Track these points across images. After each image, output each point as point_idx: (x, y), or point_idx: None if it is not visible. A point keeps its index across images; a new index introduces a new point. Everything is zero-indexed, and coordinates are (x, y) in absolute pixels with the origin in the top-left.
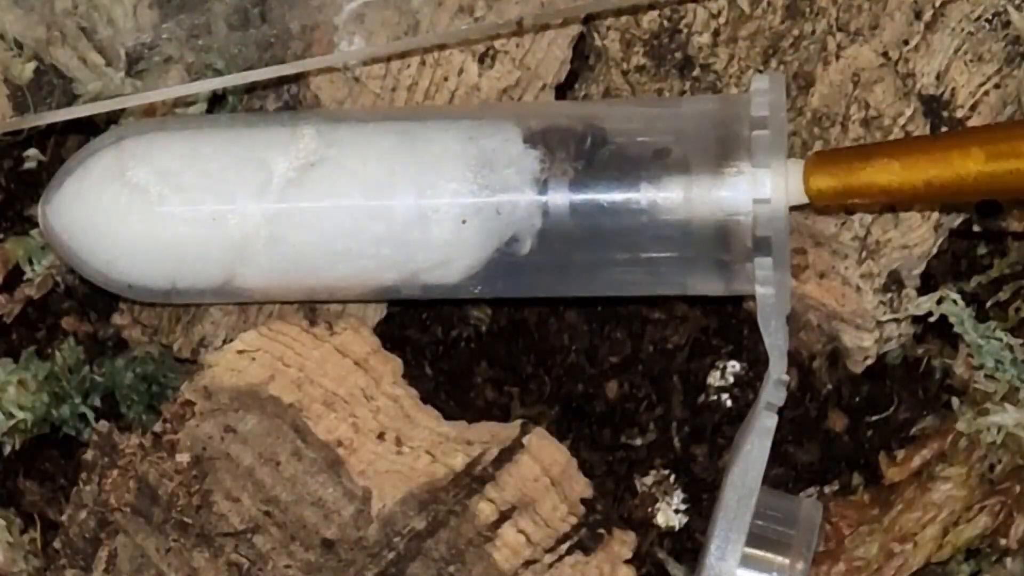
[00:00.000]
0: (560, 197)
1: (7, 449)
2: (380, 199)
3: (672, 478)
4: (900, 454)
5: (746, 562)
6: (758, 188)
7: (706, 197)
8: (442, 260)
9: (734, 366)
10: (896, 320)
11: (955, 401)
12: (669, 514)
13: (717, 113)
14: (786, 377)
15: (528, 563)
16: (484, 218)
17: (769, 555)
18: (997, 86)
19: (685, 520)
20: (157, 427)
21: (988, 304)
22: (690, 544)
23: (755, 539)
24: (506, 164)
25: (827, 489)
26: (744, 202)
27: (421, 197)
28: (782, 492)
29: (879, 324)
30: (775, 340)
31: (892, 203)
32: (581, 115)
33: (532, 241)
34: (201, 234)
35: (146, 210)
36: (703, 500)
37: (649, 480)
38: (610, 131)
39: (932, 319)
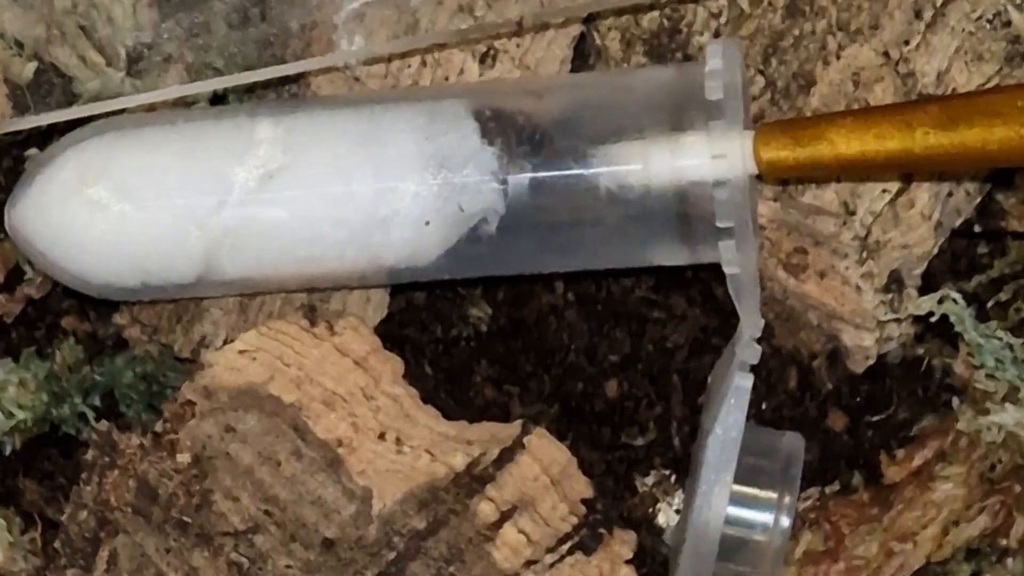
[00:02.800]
0: (520, 182)
1: (7, 448)
2: (339, 206)
3: (672, 478)
4: (900, 454)
5: (735, 500)
6: (716, 172)
7: (664, 170)
8: (408, 256)
9: None
10: (896, 320)
11: (955, 401)
12: (670, 514)
13: (673, 84)
14: (759, 331)
15: (528, 563)
16: (446, 216)
17: (757, 491)
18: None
19: None
20: (157, 427)
21: (988, 304)
22: None
23: (741, 477)
24: (464, 162)
25: (827, 489)
26: (702, 174)
27: (381, 203)
28: (764, 427)
29: (879, 324)
30: (747, 302)
31: (846, 174)
32: (536, 91)
33: (496, 224)
34: (164, 248)
35: (107, 226)
36: None
37: (649, 480)
38: (565, 109)
39: (932, 319)
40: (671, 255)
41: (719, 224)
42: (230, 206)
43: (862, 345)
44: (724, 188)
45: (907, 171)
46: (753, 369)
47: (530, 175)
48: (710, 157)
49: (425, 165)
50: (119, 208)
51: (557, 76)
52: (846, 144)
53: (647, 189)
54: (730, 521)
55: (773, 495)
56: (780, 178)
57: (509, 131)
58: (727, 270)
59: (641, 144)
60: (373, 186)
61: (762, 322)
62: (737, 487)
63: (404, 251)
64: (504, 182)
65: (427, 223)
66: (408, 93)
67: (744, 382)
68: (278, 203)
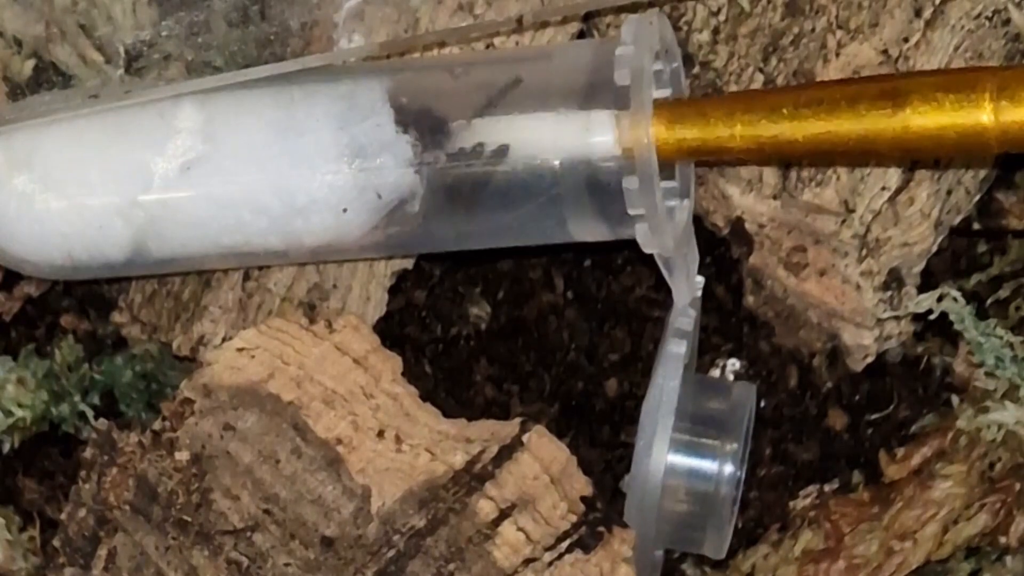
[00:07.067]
0: (435, 169)
1: (6, 447)
2: (258, 196)
3: None
4: (900, 452)
5: (679, 451)
6: (624, 161)
7: (575, 156)
8: (330, 240)
9: (734, 364)
10: (896, 318)
11: (955, 399)
12: None
13: (589, 64)
14: (696, 294)
15: (528, 561)
16: (365, 202)
17: (700, 440)
18: None
19: None
20: (156, 425)
21: (988, 302)
22: None
23: (685, 428)
24: (379, 151)
25: (827, 487)
26: (610, 162)
27: (299, 192)
28: (712, 377)
29: (879, 322)
30: (677, 274)
31: (749, 156)
32: (453, 69)
33: (416, 207)
34: (90, 237)
35: (34, 216)
36: None
37: None
38: (481, 92)
39: (932, 317)
40: (592, 232)
41: (630, 211)
42: (152, 196)
43: (862, 343)
44: (633, 177)
45: (810, 157)
46: (754, 367)
47: (444, 160)
48: (618, 147)
49: (340, 154)
50: (44, 198)
51: (475, 52)
52: (744, 127)
53: (560, 174)
54: (674, 472)
55: (716, 443)
56: (681, 160)
57: (424, 118)
58: (645, 250)
59: (553, 130)
60: (290, 175)
61: (700, 282)
62: (679, 436)
63: (325, 236)
64: (420, 169)
65: (344, 210)
66: (328, 74)
67: (677, 348)
68: (198, 192)
